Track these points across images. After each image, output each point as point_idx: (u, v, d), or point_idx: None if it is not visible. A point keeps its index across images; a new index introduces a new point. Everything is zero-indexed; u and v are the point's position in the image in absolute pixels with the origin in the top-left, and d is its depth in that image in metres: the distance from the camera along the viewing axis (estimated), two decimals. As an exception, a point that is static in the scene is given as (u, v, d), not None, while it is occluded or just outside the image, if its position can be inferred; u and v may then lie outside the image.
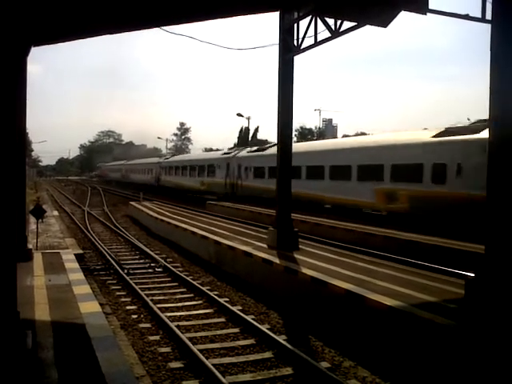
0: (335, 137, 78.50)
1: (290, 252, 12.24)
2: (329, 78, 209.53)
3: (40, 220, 14.91)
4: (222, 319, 9.19)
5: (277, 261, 11.17)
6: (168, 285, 12.05)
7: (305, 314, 9.40)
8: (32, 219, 15.58)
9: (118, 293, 11.25)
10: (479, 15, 10.67)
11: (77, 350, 5.87)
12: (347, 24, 10.99)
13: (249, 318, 8.96)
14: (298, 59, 13.09)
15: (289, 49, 12.87)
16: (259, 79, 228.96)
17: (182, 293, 11.25)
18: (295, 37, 12.78)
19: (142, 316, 9.43)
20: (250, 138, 70.00)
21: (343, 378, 6.62)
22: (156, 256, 15.41)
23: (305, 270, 10.04)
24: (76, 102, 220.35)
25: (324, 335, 8.23)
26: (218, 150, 48.42)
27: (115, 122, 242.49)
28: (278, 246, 12.78)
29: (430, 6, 10.45)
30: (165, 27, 12.15)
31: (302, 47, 12.49)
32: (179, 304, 10.27)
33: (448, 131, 18.44)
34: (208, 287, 11.62)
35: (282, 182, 13.30)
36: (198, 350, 7.31)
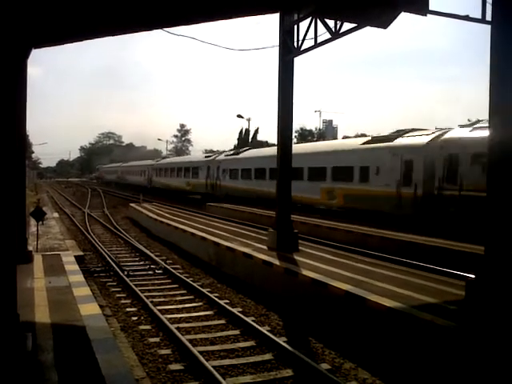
0: (335, 138, 78.43)
1: (289, 253, 12.24)
2: (329, 80, 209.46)
3: (40, 222, 14.92)
4: (222, 321, 9.18)
5: (277, 262, 11.17)
6: (168, 287, 12.04)
7: (305, 315, 9.39)
8: (32, 221, 15.59)
9: (118, 295, 11.25)
10: (479, 16, 10.68)
11: (77, 353, 5.86)
12: (347, 25, 11.01)
13: (249, 319, 8.96)
14: (298, 60, 13.13)
15: (289, 50, 12.88)
16: (259, 80, 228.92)
17: (182, 295, 11.24)
18: (295, 38, 12.78)
19: (142, 318, 9.42)
20: (250, 140, 70.00)
21: (344, 379, 6.62)
22: (156, 258, 15.40)
23: (305, 272, 10.03)
24: (76, 103, 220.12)
25: (324, 337, 8.22)
26: (218, 151, 49.13)
27: (115, 124, 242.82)
28: (277, 248, 12.77)
29: (431, 7, 10.46)
30: (166, 28, 12.17)
31: (302, 49, 12.50)
32: (179, 306, 10.27)
33: (373, 139, 22.57)
34: (208, 289, 11.61)
35: (281, 183, 13.29)
36: (198, 351, 7.31)
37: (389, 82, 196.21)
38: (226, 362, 7.20)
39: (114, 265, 14.02)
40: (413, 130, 21.10)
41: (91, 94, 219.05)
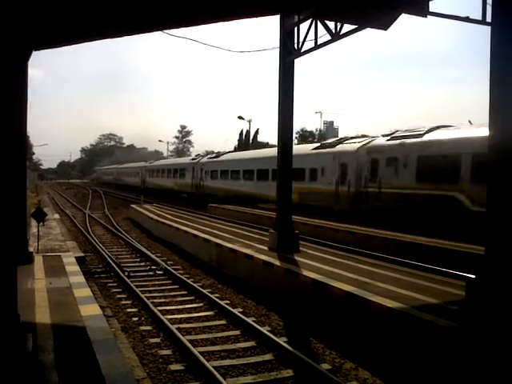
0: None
1: (290, 254, 12.25)
2: (330, 81, 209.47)
3: (41, 223, 14.92)
4: (223, 321, 9.19)
5: (277, 263, 11.18)
6: (169, 287, 12.05)
7: (305, 316, 9.40)
8: (33, 222, 15.60)
9: (118, 295, 11.26)
10: (480, 17, 10.69)
11: (77, 353, 5.87)
12: (347, 27, 11.03)
13: (249, 320, 8.96)
14: (298, 62, 13.13)
15: (289, 52, 12.90)
16: (260, 82, 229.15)
17: (182, 295, 11.25)
18: (296, 40, 12.79)
19: (142, 318, 9.43)
20: (251, 141, 70.00)
21: (344, 379, 6.62)
22: (157, 258, 15.42)
23: (305, 272, 10.04)
24: (77, 105, 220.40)
25: (325, 337, 8.23)
26: (218, 152, 49.79)
27: (116, 125, 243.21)
28: (278, 249, 12.78)
29: (431, 9, 10.47)
30: (166, 30, 12.20)
31: (302, 50, 12.52)
32: (180, 306, 10.28)
33: (321, 146, 26.38)
34: (209, 290, 11.63)
35: (282, 184, 13.30)
36: (199, 352, 7.31)
37: (390, 84, 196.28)
38: (227, 362, 7.21)
39: (115, 266, 14.04)
40: (352, 137, 25.32)
41: (92, 95, 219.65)
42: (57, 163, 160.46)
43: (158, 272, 13.77)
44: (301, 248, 13.10)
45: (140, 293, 11.00)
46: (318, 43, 11.93)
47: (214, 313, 9.76)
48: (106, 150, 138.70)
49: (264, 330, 8.37)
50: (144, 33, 13.29)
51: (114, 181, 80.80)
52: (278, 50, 13.22)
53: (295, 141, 63.76)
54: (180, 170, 47.40)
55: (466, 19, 10.97)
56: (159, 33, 12.27)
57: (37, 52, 12.16)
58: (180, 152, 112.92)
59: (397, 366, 6.95)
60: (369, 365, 7.07)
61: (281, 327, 8.96)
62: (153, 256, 15.90)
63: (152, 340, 8.17)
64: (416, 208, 17.93)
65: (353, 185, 21.98)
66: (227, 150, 47.95)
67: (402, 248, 15.01)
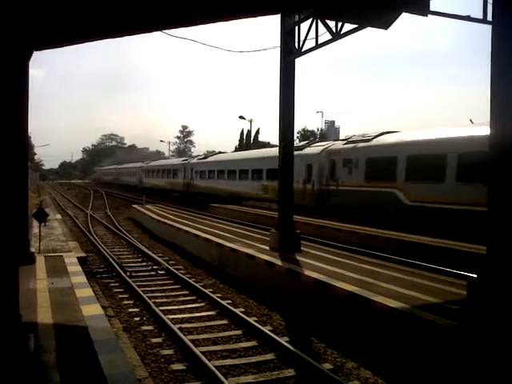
0: (338, 138, 78.45)
1: (292, 254, 12.25)
2: (331, 80, 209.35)
3: (43, 223, 14.95)
4: (225, 321, 9.19)
5: (279, 263, 11.18)
6: (170, 287, 12.06)
7: (307, 315, 9.40)
8: (35, 223, 15.63)
9: (120, 295, 11.27)
10: (481, 16, 10.68)
11: (79, 353, 5.88)
12: (348, 26, 11.01)
13: (251, 319, 8.97)
14: (299, 61, 13.13)
15: (290, 51, 12.89)
16: (261, 81, 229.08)
17: (184, 295, 11.26)
18: (296, 39, 12.78)
19: (144, 318, 9.44)
20: (252, 141, 70.05)
21: (346, 379, 6.62)
22: (158, 258, 15.43)
23: (307, 272, 10.04)
24: (78, 105, 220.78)
25: (327, 337, 8.23)
26: (220, 152, 50.56)
27: (118, 126, 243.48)
28: (280, 248, 12.78)
29: (432, 8, 10.46)
30: (166, 30, 12.21)
31: (303, 50, 12.51)
32: (182, 306, 10.29)
33: (299, 147, 27.48)
34: (210, 289, 11.63)
35: (283, 184, 13.30)
36: (201, 352, 7.32)
37: (391, 83, 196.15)
38: (228, 361, 7.21)
39: (117, 266, 14.05)
40: (318, 140, 29.75)
41: (93, 95, 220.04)
42: (58, 163, 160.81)
43: (159, 272, 13.78)
44: (303, 248, 13.09)
45: (142, 293, 11.01)
46: (319, 42, 11.91)
47: (216, 312, 9.76)
48: (107, 151, 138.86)
49: (266, 329, 8.37)
50: (144, 33, 13.30)
51: (113, 181, 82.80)
52: (279, 49, 13.21)
53: (296, 140, 63.75)
54: (173, 170, 50.30)
55: (467, 18, 10.95)
56: (160, 33, 12.27)
57: (38, 52, 12.19)
58: (181, 152, 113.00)
59: (398, 366, 6.94)
60: (370, 364, 7.07)
61: (282, 327, 8.96)
62: (154, 256, 15.91)
63: (154, 340, 8.18)
64: (366, 202, 20.79)
65: (316, 183, 24.91)
66: (228, 150, 48.85)
67: (405, 248, 14.98)
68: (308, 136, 78.38)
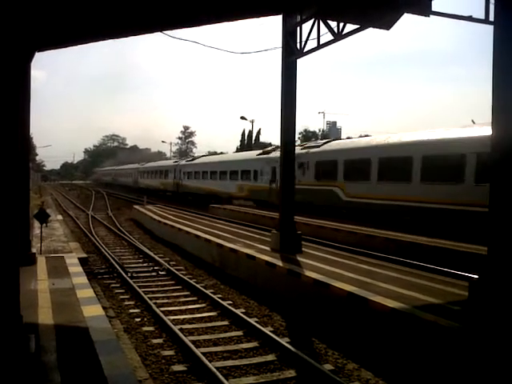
0: (339, 139, 78.55)
1: (292, 255, 12.24)
2: (333, 81, 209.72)
3: (44, 224, 14.95)
4: (226, 322, 9.19)
5: (280, 263, 11.17)
6: (171, 288, 12.05)
7: (308, 316, 9.39)
8: (36, 223, 15.63)
9: (121, 296, 11.27)
10: (483, 16, 10.66)
11: (80, 354, 5.88)
12: (350, 27, 10.99)
13: (252, 320, 8.96)
14: (301, 61, 13.12)
15: (291, 52, 12.89)
16: (263, 82, 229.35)
17: (185, 296, 11.26)
18: (298, 40, 12.77)
19: (145, 319, 9.44)
20: (253, 141, 70.09)
21: (346, 380, 6.62)
22: (159, 259, 15.43)
23: (308, 273, 10.03)
24: (80, 106, 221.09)
25: (327, 337, 8.22)
26: (221, 152, 51.40)
27: (119, 126, 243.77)
28: (281, 249, 12.78)
29: (433, 8, 10.45)
30: (168, 31, 12.22)
31: (304, 50, 12.50)
32: (182, 307, 10.28)
33: (263, 152, 33.17)
34: (211, 290, 11.62)
35: (284, 185, 13.29)
36: (202, 353, 7.31)
37: (393, 83, 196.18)
38: (229, 362, 7.20)
39: (118, 266, 14.05)
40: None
41: (95, 96, 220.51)
42: (60, 164, 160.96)
43: (160, 273, 13.78)
44: (303, 248, 13.08)
45: (143, 293, 11.01)
46: (321, 43, 11.90)
47: (217, 313, 9.76)
48: (109, 151, 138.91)
49: (267, 330, 8.37)
50: (147, 33, 13.31)
51: (111, 181, 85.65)
52: (281, 50, 13.21)
53: (298, 141, 63.76)
54: (165, 171, 53.74)
55: (469, 18, 10.93)
56: (162, 34, 12.27)
57: (40, 53, 12.20)
58: (183, 153, 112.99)
59: (399, 367, 6.93)
60: (371, 365, 7.06)
61: (283, 328, 8.95)
62: (155, 257, 15.92)
63: (154, 341, 8.18)
64: (316, 198, 24.76)
65: (279, 183, 25.22)
66: (230, 151, 49.70)
67: (403, 248, 15.00)
68: (309, 137, 78.41)
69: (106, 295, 11.28)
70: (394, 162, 19.55)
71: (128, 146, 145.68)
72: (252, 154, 36.07)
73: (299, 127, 79.11)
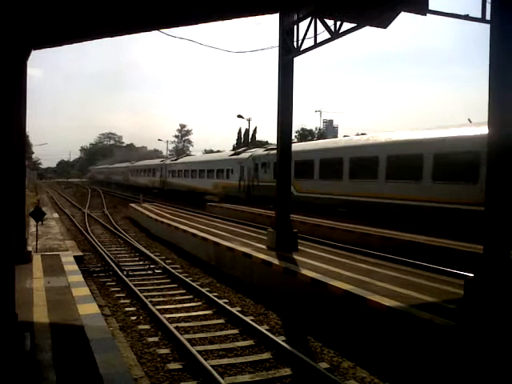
0: (336, 137, 78.64)
1: (289, 253, 12.24)
2: (330, 79, 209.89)
3: (40, 222, 14.92)
4: (221, 320, 9.19)
5: (276, 262, 11.17)
6: (167, 286, 12.04)
7: (304, 314, 9.40)
8: (32, 222, 15.59)
9: (117, 294, 11.25)
10: (479, 15, 10.68)
11: (75, 352, 5.87)
12: (347, 25, 11.01)
13: (248, 319, 8.96)
14: (298, 60, 13.11)
15: (288, 50, 12.88)
16: (260, 80, 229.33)
17: (181, 294, 11.25)
18: (295, 38, 12.78)
19: (141, 317, 9.43)
20: (250, 140, 70.09)
21: (342, 378, 6.62)
22: (155, 257, 15.42)
23: (304, 271, 10.04)
24: (77, 104, 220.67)
25: (323, 336, 8.23)
26: (218, 151, 52.11)
27: (116, 124, 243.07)
28: (277, 247, 12.78)
29: (430, 7, 10.46)
30: (164, 30, 12.18)
31: (301, 49, 12.50)
32: (178, 305, 10.27)
33: (234, 153, 37.65)
34: (207, 288, 11.62)
35: (281, 183, 13.29)
36: (197, 351, 7.31)
37: (391, 82, 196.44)
38: (225, 361, 7.20)
39: (114, 265, 14.03)
40: (252, 147, 39.93)
41: (91, 94, 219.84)
42: (56, 162, 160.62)
43: (156, 271, 13.77)
44: (300, 247, 13.09)
45: (138, 292, 11.00)
46: (318, 41, 11.91)
47: (213, 312, 9.76)
48: (105, 150, 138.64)
49: (262, 328, 8.37)
50: (143, 32, 13.25)
51: (105, 179, 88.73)
52: (278, 48, 13.20)
53: (295, 140, 63.81)
54: (153, 170, 57.58)
55: (466, 17, 10.95)
56: (158, 32, 12.24)
57: (36, 51, 12.16)
58: (180, 151, 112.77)
59: (395, 365, 6.95)
60: (367, 364, 7.07)
61: (279, 326, 8.95)
62: (151, 255, 15.90)
63: (150, 339, 8.17)
64: (274, 193, 23.98)
65: (246, 180, 32.85)
66: (226, 149, 50.64)
67: (400, 246, 15.03)
68: (306, 135, 78.41)
69: (101, 293, 11.26)
70: (330, 163, 23.85)
71: (124, 145, 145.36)
72: (225, 154, 41.73)
73: (296, 125, 79.22)
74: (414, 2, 10.36)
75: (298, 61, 13.09)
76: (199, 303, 10.42)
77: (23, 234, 12.23)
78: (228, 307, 9.73)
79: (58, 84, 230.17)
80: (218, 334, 8.43)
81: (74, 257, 12.91)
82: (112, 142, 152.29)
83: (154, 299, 10.64)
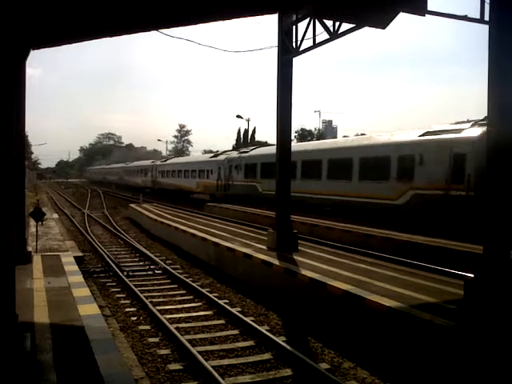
0: (335, 137, 78.64)
1: (289, 253, 12.25)
2: (329, 79, 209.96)
3: (40, 223, 14.91)
4: (222, 321, 9.19)
5: (276, 262, 11.18)
6: (167, 287, 12.04)
7: (304, 315, 9.40)
8: (32, 222, 15.58)
9: (117, 295, 11.25)
10: (478, 16, 10.69)
11: (76, 353, 5.87)
12: (346, 26, 11.00)
13: (248, 319, 8.96)
14: (297, 60, 13.11)
15: (287, 51, 12.88)
16: (259, 80, 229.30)
17: (181, 295, 11.25)
18: (294, 39, 12.78)
19: (141, 318, 9.43)
20: (249, 140, 70.10)
21: (342, 378, 6.62)
22: (155, 258, 15.41)
23: (304, 272, 10.04)
24: (76, 104, 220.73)
25: (324, 336, 8.23)
26: (217, 151, 52.31)
27: (115, 125, 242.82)
28: (277, 248, 12.78)
29: (429, 8, 10.47)
30: (163, 30, 12.18)
31: (300, 49, 12.50)
32: (179, 306, 10.27)
33: (214, 155, 42.28)
34: (208, 289, 11.62)
35: (281, 183, 13.27)
36: (198, 351, 7.31)
37: (390, 82, 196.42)
38: (225, 361, 7.20)
39: (114, 265, 14.02)
40: (229, 151, 42.29)
41: (91, 94, 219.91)
42: (55, 162, 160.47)
43: (156, 271, 13.76)
44: (300, 247, 13.09)
45: (139, 292, 11.00)
46: (317, 42, 11.91)
47: (213, 312, 9.76)
48: (104, 150, 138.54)
49: (263, 329, 8.37)
50: (143, 32, 13.24)
51: (102, 179, 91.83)
52: (276, 48, 13.20)
53: (294, 140, 63.80)
54: (144, 170, 61.78)
55: (464, 18, 10.96)
56: (157, 32, 12.24)
57: (35, 51, 12.16)
58: (179, 151, 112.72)
59: (395, 366, 6.95)
60: (367, 364, 7.08)
61: (279, 326, 8.96)
62: (151, 255, 15.89)
63: (151, 339, 8.17)
64: (245, 191, 32.46)
65: (223, 180, 36.54)
66: (226, 149, 50.76)
67: (399, 247, 15.04)
68: (306, 136, 78.38)
69: (101, 294, 11.26)
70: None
71: (124, 145, 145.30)
72: (206, 156, 46.23)
73: (296, 126, 79.21)
74: (413, 3, 10.36)
75: (297, 61, 13.10)
76: (199, 304, 10.42)
77: (23, 234, 12.23)
78: (228, 308, 9.73)
79: (57, 84, 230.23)
80: (219, 334, 8.43)
81: (74, 257, 12.91)
82: (111, 142, 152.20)
83: (154, 300, 10.64)
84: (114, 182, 78.14)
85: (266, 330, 8.36)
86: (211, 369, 6.61)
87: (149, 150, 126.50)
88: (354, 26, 10.85)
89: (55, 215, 27.84)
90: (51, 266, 11.35)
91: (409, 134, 20.00)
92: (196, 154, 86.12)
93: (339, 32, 11.11)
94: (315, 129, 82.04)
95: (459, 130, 17.20)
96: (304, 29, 12.11)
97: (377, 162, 20.29)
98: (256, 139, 76.15)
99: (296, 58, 12.95)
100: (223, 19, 13.19)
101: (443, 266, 11.94)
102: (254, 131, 76.88)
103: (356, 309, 8.13)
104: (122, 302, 10.68)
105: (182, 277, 12.65)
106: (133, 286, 11.56)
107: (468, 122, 18.27)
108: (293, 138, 55.91)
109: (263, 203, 28.26)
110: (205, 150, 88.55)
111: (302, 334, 8.49)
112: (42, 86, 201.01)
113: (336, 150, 24.13)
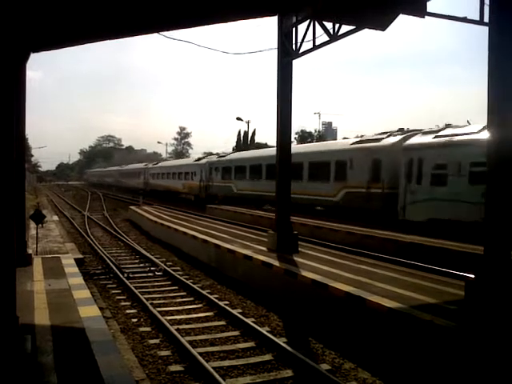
0: (335, 139, 78.60)
1: (289, 255, 12.25)
2: (329, 81, 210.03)
3: (40, 225, 14.91)
4: (222, 322, 9.19)
5: (276, 264, 11.18)
6: (168, 288, 12.04)
7: (305, 316, 9.40)
8: (32, 224, 15.59)
9: (117, 297, 11.25)
10: (477, 18, 10.71)
11: (76, 355, 5.87)
12: (345, 28, 11.01)
13: (249, 320, 8.96)
14: (297, 62, 13.13)
15: (287, 53, 12.90)
16: (259, 82, 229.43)
17: (181, 296, 11.25)
18: (294, 41, 12.80)
19: (141, 320, 9.43)
20: (248, 142, 70.10)
21: (343, 379, 6.62)
22: (156, 260, 15.41)
23: (304, 273, 10.04)
24: (76, 107, 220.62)
25: (324, 337, 8.23)
26: (217, 153, 52.50)
27: (115, 127, 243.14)
28: (277, 249, 12.78)
29: (429, 9, 10.48)
30: (163, 32, 12.22)
31: (300, 51, 12.52)
32: (179, 307, 10.28)
33: (197, 159, 45.68)
34: (208, 290, 11.62)
35: (281, 185, 13.27)
36: (198, 353, 7.31)
37: (390, 84, 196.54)
38: (226, 363, 7.20)
39: (114, 267, 14.03)
40: (214, 154, 47.95)
41: (91, 97, 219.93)
42: (55, 165, 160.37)
43: (157, 273, 13.77)
44: (300, 249, 13.09)
45: (139, 294, 10.99)
46: (316, 44, 11.92)
47: (214, 313, 9.76)
48: (104, 152, 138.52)
49: (263, 330, 8.37)
50: (142, 34, 13.30)
51: (100, 182, 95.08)
52: (276, 50, 13.22)
53: (294, 142, 63.76)
54: (138, 173, 65.21)
55: (464, 19, 10.99)
56: (157, 34, 12.28)
57: (35, 53, 12.17)
58: (179, 154, 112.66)
59: (396, 366, 6.95)
60: (368, 365, 7.08)
61: (280, 328, 8.95)
62: (152, 257, 15.89)
63: (151, 341, 8.17)
64: (222, 191, 36.40)
65: (204, 181, 39.93)
66: (226, 151, 51.41)
67: (401, 248, 15.04)
68: (306, 137, 78.30)
69: (102, 296, 11.25)
70: (255, 167, 32.06)
71: (123, 147, 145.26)
72: (191, 160, 50.04)
73: (296, 127, 78.91)
74: (413, 4, 10.38)
75: (296, 63, 13.11)
76: (200, 305, 10.42)
77: (23, 236, 12.23)
78: (229, 309, 9.73)
79: (57, 86, 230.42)
80: (219, 335, 8.43)
81: (75, 259, 12.90)
82: (111, 144, 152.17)
83: (154, 301, 10.63)
84: (111, 183, 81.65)
85: (267, 331, 8.35)
86: (212, 370, 6.60)
87: (149, 152, 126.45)
88: (353, 27, 10.86)
89: (55, 217, 27.83)
90: (51, 268, 11.35)
91: (344, 142, 26.00)
92: (196, 155, 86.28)
93: (339, 34, 11.12)
94: (315, 130, 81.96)
95: (379, 140, 21.67)
96: (304, 31, 12.13)
97: (321, 166, 24.88)
98: (256, 141, 76.07)
99: (296, 60, 12.98)
100: (223, 22, 13.22)
101: (445, 267, 11.92)
102: (253, 133, 76.80)
103: (356, 310, 8.13)
104: (123, 303, 10.67)
105: (182, 278, 12.65)
106: (133, 288, 11.56)
107: (386, 133, 22.53)
108: (293, 139, 55.95)
109: (238, 202, 32.16)
110: (204, 152, 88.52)
111: (303, 335, 8.49)
112: (42, 89, 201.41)
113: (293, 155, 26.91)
